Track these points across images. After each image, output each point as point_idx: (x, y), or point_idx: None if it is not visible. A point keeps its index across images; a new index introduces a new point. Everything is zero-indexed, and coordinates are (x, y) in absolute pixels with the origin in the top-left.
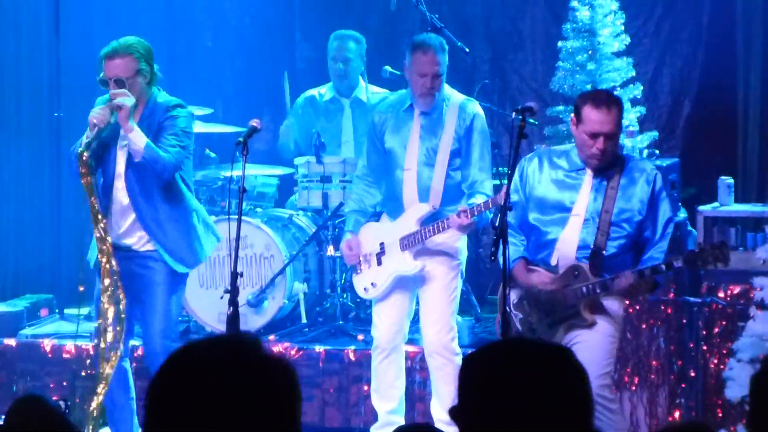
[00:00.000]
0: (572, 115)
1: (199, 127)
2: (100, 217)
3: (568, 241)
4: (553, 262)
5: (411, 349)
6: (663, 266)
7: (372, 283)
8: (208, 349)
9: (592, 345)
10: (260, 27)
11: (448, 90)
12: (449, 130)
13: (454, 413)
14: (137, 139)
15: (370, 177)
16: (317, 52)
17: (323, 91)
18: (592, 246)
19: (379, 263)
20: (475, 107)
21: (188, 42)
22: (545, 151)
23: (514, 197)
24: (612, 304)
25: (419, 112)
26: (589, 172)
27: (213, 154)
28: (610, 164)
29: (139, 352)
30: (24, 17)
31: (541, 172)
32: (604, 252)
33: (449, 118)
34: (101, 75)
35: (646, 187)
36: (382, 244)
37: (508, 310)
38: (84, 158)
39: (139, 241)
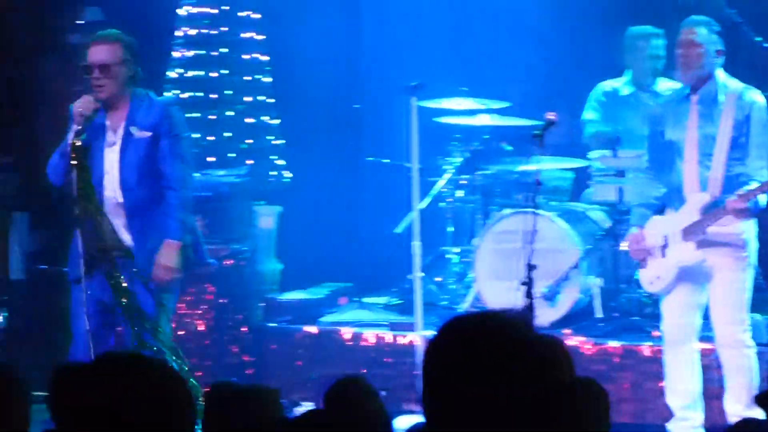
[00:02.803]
0: None
1: (495, 120)
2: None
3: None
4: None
5: (707, 345)
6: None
7: (657, 276)
8: (481, 323)
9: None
10: (558, 18)
11: (724, 77)
12: (728, 118)
13: (761, 400)
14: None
15: (652, 171)
16: (615, 45)
17: (617, 85)
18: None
19: (663, 256)
20: (755, 95)
21: (484, 35)
22: None
23: None
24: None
25: (696, 99)
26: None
27: (509, 147)
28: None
29: None
30: (325, 14)
31: None
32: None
33: (727, 105)
34: (85, 60)
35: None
36: (665, 236)
37: None
38: (77, 146)
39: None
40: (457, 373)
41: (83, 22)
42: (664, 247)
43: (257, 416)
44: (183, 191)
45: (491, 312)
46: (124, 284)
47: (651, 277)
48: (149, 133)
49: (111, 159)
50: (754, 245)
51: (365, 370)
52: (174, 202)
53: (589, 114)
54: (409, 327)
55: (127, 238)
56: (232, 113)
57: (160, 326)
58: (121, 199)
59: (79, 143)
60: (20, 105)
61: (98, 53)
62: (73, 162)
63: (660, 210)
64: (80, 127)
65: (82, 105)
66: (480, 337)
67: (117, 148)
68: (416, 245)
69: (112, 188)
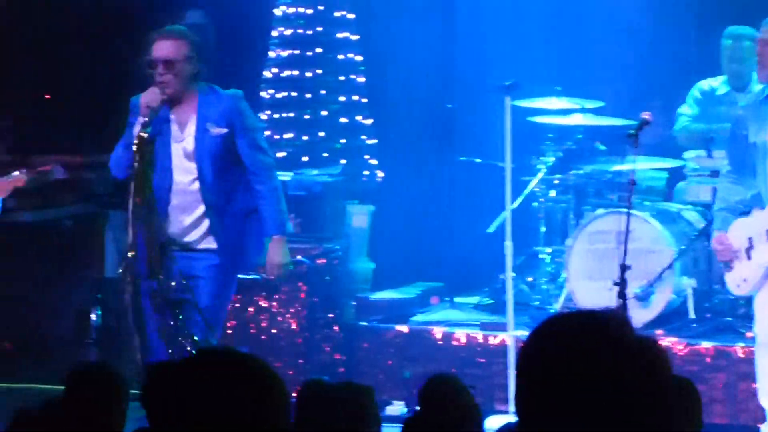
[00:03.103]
0: None
1: (589, 120)
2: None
3: None
4: None
5: None
6: None
7: (743, 279)
8: (580, 323)
9: None
10: (653, 18)
11: None
12: None
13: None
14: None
15: (734, 174)
16: (711, 45)
17: (716, 84)
18: None
19: (749, 258)
20: None
21: (578, 35)
22: None
23: None
24: None
25: None
26: None
27: (603, 147)
28: None
29: None
30: (419, 14)
31: None
32: None
33: None
34: (149, 55)
35: None
36: (750, 238)
37: None
38: (144, 139)
39: (200, 238)
40: (554, 372)
41: (185, 23)
42: (749, 249)
43: (352, 414)
44: (271, 181)
45: (590, 311)
46: (173, 282)
47: (737, 279)
48: (225, 129)
49: (179, 153)
50: None
51: (455, 370)
52: (266, 195)
53: (684, 108)
54: (501, 327)
55: (189, 231)
56: (326, 113)
57: (207, 321)
58: (194, 192)
59: (145, 135)
60: (119, 105)
61: (163, 49)
62: (137, 154)
63: (745, 213)
64: (147, 119)
65: (149, 97)
66: (579, 336)
67: (188, 143)
68: (508, 245)
69: (180, 181)
